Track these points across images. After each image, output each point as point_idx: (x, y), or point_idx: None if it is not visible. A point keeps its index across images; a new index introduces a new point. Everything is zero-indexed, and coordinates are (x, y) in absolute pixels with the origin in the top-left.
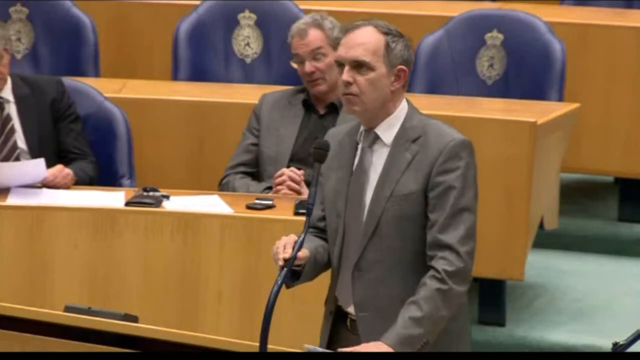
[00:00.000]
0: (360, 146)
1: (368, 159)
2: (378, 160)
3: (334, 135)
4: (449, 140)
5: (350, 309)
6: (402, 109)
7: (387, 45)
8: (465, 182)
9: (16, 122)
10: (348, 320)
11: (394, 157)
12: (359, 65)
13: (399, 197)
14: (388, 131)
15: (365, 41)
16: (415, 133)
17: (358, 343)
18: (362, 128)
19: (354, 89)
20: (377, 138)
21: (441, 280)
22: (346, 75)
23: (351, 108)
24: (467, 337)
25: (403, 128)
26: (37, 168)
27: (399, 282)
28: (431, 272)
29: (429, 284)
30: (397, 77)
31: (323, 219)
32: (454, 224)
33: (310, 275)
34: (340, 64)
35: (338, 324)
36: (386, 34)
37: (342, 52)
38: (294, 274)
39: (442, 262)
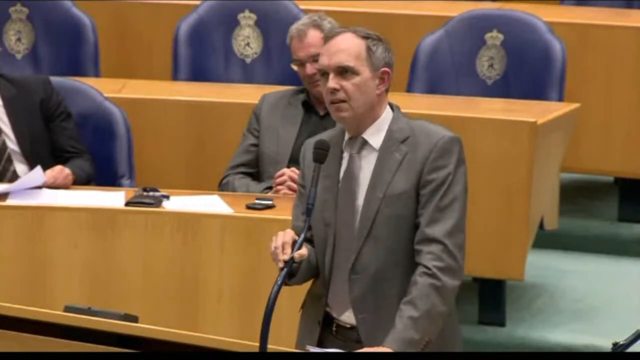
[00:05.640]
0: (345, 154)
1: (357, 165)
2: (367, 165)
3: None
4: (439, 138)
5: (345, 317)
6: (387, 113)
7: (369, 49)
8: (455, 177)
9: (5, 124)
10: (334, 326)
11: (383, 159)
12: (343, 71)
13: (392, 198)
14: (376, 135)
15: (346, 47)
16: (403, 134)
17: (342, 348)
18: (346, 136)
19: (341, 95)
20: (365, 144)
21: (432, 276)
22: (332, 82)
23: (340, 115)
24: (459, 336)
25: (390, 131)
26: (35, 176)
27: (396, 281)
28: (421, 269)
29: (420, 281)
30: (381, 80)
31: (309, 229)
32: (441, 217)
33: (305, 275)
34: (323, 74)
35: (323, 330)
36: (365, 37)
37: (325, 60)
38: (290, 272)
39: (430, 257)
